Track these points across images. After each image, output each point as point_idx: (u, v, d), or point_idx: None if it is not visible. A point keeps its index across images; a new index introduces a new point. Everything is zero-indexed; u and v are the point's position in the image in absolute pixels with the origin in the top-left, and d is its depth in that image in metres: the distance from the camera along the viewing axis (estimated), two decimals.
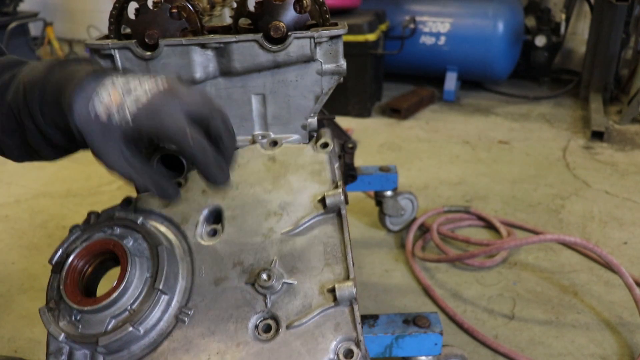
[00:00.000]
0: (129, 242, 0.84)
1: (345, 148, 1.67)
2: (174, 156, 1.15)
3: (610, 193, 2.42)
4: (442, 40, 3.65)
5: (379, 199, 2.10)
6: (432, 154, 2.93)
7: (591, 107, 3.35)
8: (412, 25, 3.66)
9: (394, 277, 1.89)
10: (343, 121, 3.38)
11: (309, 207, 0.90)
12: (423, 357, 1.30)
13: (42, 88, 0.75)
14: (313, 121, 1.04)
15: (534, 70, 4.01)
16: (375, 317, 1.32)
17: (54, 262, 0.86)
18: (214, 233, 0.91)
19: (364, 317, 1.32)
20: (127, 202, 0.95)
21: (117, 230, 0.87)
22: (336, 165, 0.97)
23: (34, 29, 5.36)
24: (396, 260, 1.99)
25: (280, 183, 0.93)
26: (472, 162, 2.80)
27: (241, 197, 0.92)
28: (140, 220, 0.88)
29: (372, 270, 1.93)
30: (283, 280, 0.85)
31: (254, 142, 1.03)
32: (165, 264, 0.83)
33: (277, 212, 0.90)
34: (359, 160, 2.73)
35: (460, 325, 1.63)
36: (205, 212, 0.92)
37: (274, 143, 0.99)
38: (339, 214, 0.89)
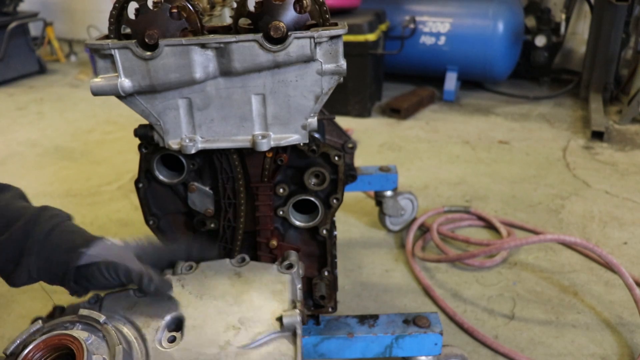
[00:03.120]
0: (88, 340, 0.84)
1: (345, 148, 1.66)
2: (174, 156, 1.15)
3: (610, 193, 2.42)
4: (442, 40, 3.65)
5: (379, 199, 2.10)
6: (432, 154, 2.93)
7: (591, 107, 3.35)
8: (412, 25, 3.66)
9: (394, 277, 1.89)
10: (343, 121, 3.38)
11: (267, 324, 0.93)
12: (423, 357, 1.30)
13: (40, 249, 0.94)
14: (313, 121, 1.04)
15: (534, 70, 4.01)
16: (375, 317, 1.32)
17: (8, 352, 0.85)
18: (173, 340, 0.92)
19: (364, 317, 1.32)
20: (95, 298, 0.98)
21: (79, 327, 0.87)
22: (298, 286, 1.03)
23: (34, 29, 5.36)
24: (396, 260, 1.99)
25: (242, 298, 0.97)
26: (472, 162, 2.80)
27: (204, 308, 0.95)
28: (103, 319, 0.88)
29: (372, 270, 1.93)
30: None
31: (254, 142, 1.03)
32: None
33: (236, 325, 0.93)
34: (359, 160, 2.72)
35: (460, 325, 1.63)
36: (167, 318, 0.94)
37: (242, 260, 1.04)
38: (294, 334, 0.92)
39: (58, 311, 0.96)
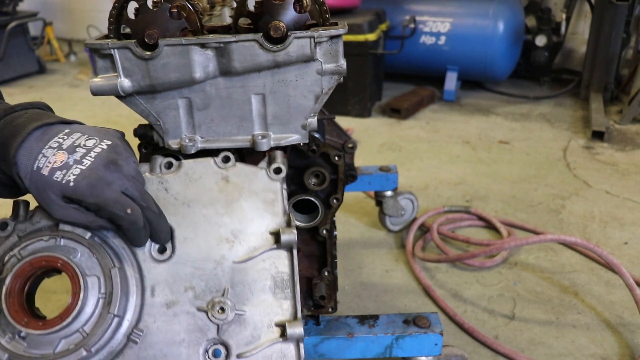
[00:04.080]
0: (78, 258, 0.80)
1: (345, 148, 1.66)
2: (174, 156, 1.14)
3: (610, 193, 2.42)
4: (442, 40, 3.64)
5: (379, 199, 2.10)
6: (432, 154, 2.93)
7: (592, 107, 3.35)
8: (412, 25, 3.66)
9: (394, 277, 1.89)
10: (343, 121, 3.38)
11: (262, 239, 0.91)
12: (423, 358, 1.30)
13: None
14: (313, 121, 1.03)
15: (534, 70, 4.01)
16: (375, 318, 1.32)
17: None
18: (163, 250, 0.89)
19: (364, 317, 1.32)
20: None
21: (61, 242, 0.82)
22: (284, 192, 0.96)
23: (34, 28, 5.36)
24: (396, 260, 1.98)
25: (233, 207, 0.92)
26: (473, 162, 2.80)
27: (193, 217, 0.91)
28: (88, 235, 0.84)
29: (372, 270, 1.92)
30: (235, 312, 0.88)
31: (254, 142, 1.03)
32: (119, 288, 0.82)
33: (229, 238, 0.90)
34: (359, 160, 2.72)
35: (460, 326, 1.63)
36: None
37: (227, 159, 0.95)
38: (290, 251, 0.91)
39: (22, 207, 0.87)
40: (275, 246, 0.90)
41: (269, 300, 0.89)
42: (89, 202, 0.78)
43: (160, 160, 0.93)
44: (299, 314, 0.89)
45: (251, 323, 0.88)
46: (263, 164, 0.96)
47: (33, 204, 0.87)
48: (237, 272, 0.89)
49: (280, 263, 0.90)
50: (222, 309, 0.87)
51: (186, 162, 0.93)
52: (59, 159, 0.78)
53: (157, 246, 0.89)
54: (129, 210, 0.80)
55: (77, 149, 0.80)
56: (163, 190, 0.91)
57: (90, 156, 0.80)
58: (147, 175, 0.91)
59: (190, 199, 0.91)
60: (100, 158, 0.80)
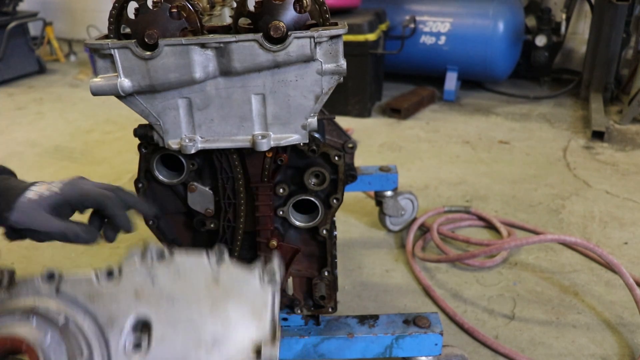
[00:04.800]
0: (45, 342, 0.75)
1: (345, 148, 1.66)
2: (173, 156, 1.15)
3: (610, 193, 2.42)
4: (442, 40, 3.64)
5: (379, 199, 2.10)
6: (432, 154, 2.93)
7: (592, 107, 3.35)
8: (412, 25, 3.66)
9: (394, 277, 1.89)
10: (343, 121, 3.38)
11: (242, 352, 0.84)
12: (423, 358, 1.30)
13: None
14: (313, 121, 1.03)
15: (534, 70, 4.01)
16: (375, 318, 1.32)
17: None
18: (138, 345, 0.84)
19: (364, 317, 1.32)
20: (50, 276, 0.86)
21: (34, 322, 0.78)
22: (277, 301, 0.90)
23: (34, 28, 5.35)
24: (396, 260, 1.98)
25: (218, 310, 0.86)
26: (473, 162, 2.80)
27: (176, 314, 0.86)
28: (63, 317, 0.80)
29: (372, 270, 1.92)
30: None
31: (254, 142, 1.03)
32: None
33: (209, 343, 0.84)
34: (359, 160, 2.72)
35: (460, 326, 1.63)
36: (133, 318, 0.85)
37: (221, 256, 0.90)
38: None
39: (6, 277, 0.85)
40: None
41: None
42: (75, 197, 0.95)
43: (153, 249, 0.90)
44: None
45: None
46: (257, 265, 0.91)
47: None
48: None
49: None
50: None
51: (178, 256, 0.90)
52: (44, 187, 0.97)
53: (132, 341, 0.84)
54: (109, 194, 0.96)
55: (53, 182, 1.00)
56: (149, 282, 0.87)
57: (63, 181, 1.00)
58: (136, 264, 0.88)
59: (175, 295, 0.87)
60: (70, 177, 1.01)
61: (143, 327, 0.85)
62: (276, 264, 0.92)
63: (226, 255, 0.91)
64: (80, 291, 0.84)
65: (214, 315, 0.86)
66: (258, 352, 0.84)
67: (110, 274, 0.87)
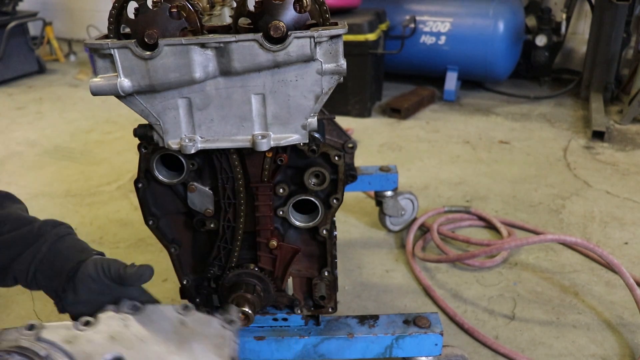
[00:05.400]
0: None
1: (345, 148, 1.66)
2: (173, 156, 1.14)
3: (611, 193, 2.42)
4: (443, 39, 3.64)
5: (379, 199, 2.10)
6: (432, 154, 2.93)
7: (592, 107, 3.35)
8: (412, 25, 3.65)
9: (394, 277, 1.88)
10: (343, 121, 3.38)
11: None
12: (423, 358, 1.30)
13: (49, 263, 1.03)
14: (313, 121, 1.03)
15: (534, 70, 4.01)
16: (375, 318, 1.32)
17: None
18: None
19: (364, 318, 1.32)
20: (31, 326, 0.94)
21: (15, 358, 0.85)
22: (237, 341, 1.03)
23: (33, 28, 5.35)
24: (396, 260, 1.98)
25: (184, 347, 0.97)
26: (473, 162, 2.80)
27: (145, 353, 0.95)
28: (44, 353, 0.87)
29: (372, 271, 1.92)
30: None
31: (253, 142, 1.03)
32: None
33: None
34: (359, 160, 2.72)
35: (460, 326, 1.63)
36: (109, 356, 0.93)
37: (186, 307, 1.04)
38: None
39: None
40: None
41: None
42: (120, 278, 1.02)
43: (127, 303, 1.02)
44: None
45: None
46: (219, 312, 1.07)
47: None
48: None
49: None
50: None
51: (150, 306, 1.03)
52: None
53: None
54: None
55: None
56: (123, 326, 0.98)
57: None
58: (111, 312, 1.00)
59: (146, 336, 0.98)
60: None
61: None
62: (234, 313, 1.07)
63: (191, 306, 1.04)
64: (59, 336, 0.93)
65: (180, 351, 0.97)
66: None
67: (87, 323, 0.97)
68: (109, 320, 0.97)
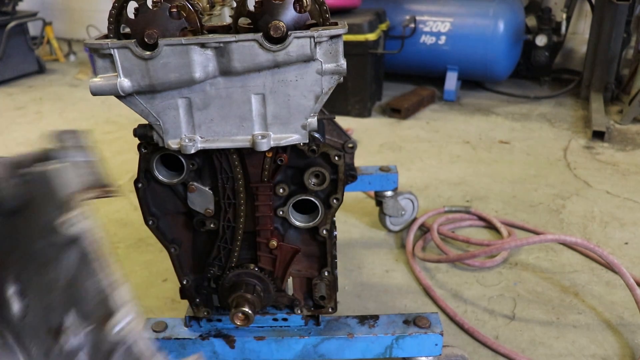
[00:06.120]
0: None
1: (345, 148, 1.66)
2: (173, 156, 1.14)
3: (611, 193, 2.42)
4: (443, 39, 3.64)
5: (379, 199, 2.09)
6: (432, 154, 2.93)
7: (592, 107, 3.34)
8: (412, 25, 3.65)
9: (395, 278, 1.88)
10: (343, 121, 3.37)
11: None
12: (423, 358, 1.30)
13: None
14: (313, 121, 1.03)
15: (534, 70, 4.00)
16: (375, 318, 1.32)
17: None
18: None
19: (364, 318, 1.32)
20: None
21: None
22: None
23: (33, 28, 5.35)
24: (396, 260, 1.98)
25: None
26: (473, 162, 2.80)
27: None
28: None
29: (372, 271, 1.92)
30: None
31: (253, 142, 1.03)
32: None
33: None
34: (359, 160, 2.72)
35: (460, 326, 1.62)
36: None
37: None
38: None
39: None
40: None
41: None
42: None
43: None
44: None
45: None
46: None
47: None
48: None
49: None
50: None
51: None
52: None
53: None
54: None
55: None
56: None
57: None
58: None
59: None
60: None
61: None
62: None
63: None
64: None
65: None
66: None
67: None
68: None
